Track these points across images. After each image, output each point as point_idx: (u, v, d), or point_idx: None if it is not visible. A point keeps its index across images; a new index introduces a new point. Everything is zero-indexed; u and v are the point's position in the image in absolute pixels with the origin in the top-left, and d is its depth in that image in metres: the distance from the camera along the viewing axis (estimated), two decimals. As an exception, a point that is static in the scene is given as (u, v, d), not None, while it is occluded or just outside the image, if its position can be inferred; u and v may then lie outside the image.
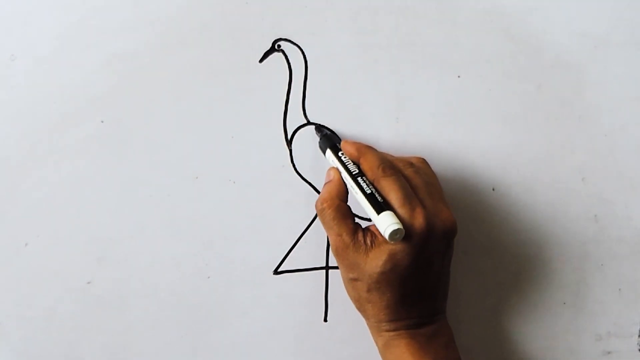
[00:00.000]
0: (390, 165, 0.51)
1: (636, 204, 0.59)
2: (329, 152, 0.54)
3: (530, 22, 0.57)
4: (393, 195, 0.49)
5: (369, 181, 0.50)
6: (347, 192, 0.52)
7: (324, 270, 0.57)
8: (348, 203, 0.52)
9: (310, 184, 0.57)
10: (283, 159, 0.56)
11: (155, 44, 0.55)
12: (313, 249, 0.57)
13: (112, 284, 0.56)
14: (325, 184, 0.53)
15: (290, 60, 0.56)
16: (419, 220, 0.48)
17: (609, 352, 0.61)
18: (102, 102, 0.55)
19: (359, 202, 0.50)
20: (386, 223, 0.47)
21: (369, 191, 0.49)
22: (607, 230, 0.59)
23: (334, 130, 0.56)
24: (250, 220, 0.57)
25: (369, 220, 0.51)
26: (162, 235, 0.56)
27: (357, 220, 0.52)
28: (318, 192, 0.57)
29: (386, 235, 0.47)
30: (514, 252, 0.59)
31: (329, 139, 0.55)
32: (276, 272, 0.57)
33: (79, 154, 0.55)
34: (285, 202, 0.57)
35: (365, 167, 0.51)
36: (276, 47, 0.55)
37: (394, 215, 0.48)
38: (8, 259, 0.55)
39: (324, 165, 0.57)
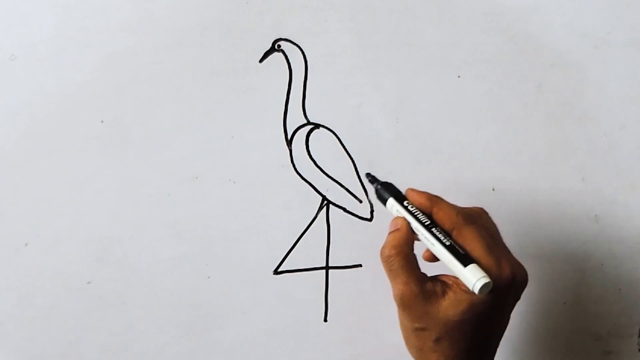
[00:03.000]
0: (468, 214, 0.50)
1: (636, 204, 0.59)
2: (392, 201, 0.51)
3: (530, 22, 0.57)
4: (477, 244, 0.47)
5: (445, 232, 0.49)
6: (413, 242, 0.50)
7: (324, 270, 0.57)
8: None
9: (310, 184, 0.57)
10: (283, 159, 0.56)
11: (155, 44, 0.55)
12: (313, 249, 0.57)
13: (112, 284, 0.56)
14: (390, 232, 0.50)
15: (290, 60, 0.56)
16: (506, 272, 0.47)
17: (609, 352, 0.61)
18: (102, 102, 0.55)
19: (436, 254, 0.48)
20: (475, 277, 0.46)
21: (448, 242, 0.48)
22: (607, 230, 0.59)
23: (333, 130, 0.57)
24: (250, 220, 0.57)
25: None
26: (162, 235, 0.56)
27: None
28: (318, 192, 0.57)
29: (476, 290, 0.45)
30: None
31: (389, 188, 0.52)
32: (276, 272, 0.57)
33: (79, 154, 0.55)
34: (285, 202, 0.57)
35: (440, 215, 0.49)
36: (276, 47, 0.55)
37: (480, 269, 0.46)
38: (8, 259, 0.55)
39: (324, 165, 0.57)
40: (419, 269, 0.49)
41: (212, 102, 0.55)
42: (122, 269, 0.56)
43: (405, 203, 0.51)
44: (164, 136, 0.55)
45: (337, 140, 0.57)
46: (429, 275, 0.49)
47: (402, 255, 0.49)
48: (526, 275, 0.49)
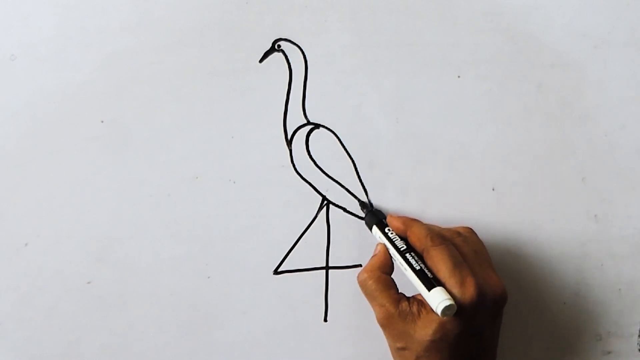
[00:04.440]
0: (439, 234, 0.51)
1: (636, 204, 0.59)
2: (375, 228, 0.54)
3: (530, 22, 0.57)
4: (442, 264, 0.48)
5: (417, 256, 0.51)
6: (392, 267, 0.53)
7: (324, 270, 0.57)
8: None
9: (310, 184, 0.57)
10: (283, 159, 0.56)
11: (155, 44, 0.55)
12: (313, 249, 0.57)
13: (112, 284, 0.56)
14: (371, 257, 0.53)
15: (290, 60, 0.56)
16: (469, 290, 0.48)
17: (609, 352, 0.61)
18: (102, 102, 0.55)
19: (408, 279, 0.50)
20: (437, 300, 0.47)
21: (417, 267, 0.49)
22: (607, 230, 0.59)
23: (333, 130, 0.57)
24: (250, 220, 0.57)
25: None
26: (162, 235, 0.56)
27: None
28: (318, 192, 0.57)
29: (438, 312, 0.47)
30: (514, 252, 0.59)
31: (375, 215, 0.55)
32: (276, 272, 0.57)
33: (79, 154, 0.55)
34: (285, 202, 0.57)
35: (413, 239, 0.52)
36: (276, 47, 0.55)
37: (445, 291, 0.47)
38: (8, 259, 0.55)
39: (324, 165, 0.57)
40: (396, 289, 0.51)
41: (212, 102, 0.55)
42: (122, 269, 0.56)
43: (386, 229, 0.53)
44: (164, 136, 0.55)
45: (337, 140, 0.57)
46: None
47: (374, 278, 0.51)
48: (501, 291, 0.50)
